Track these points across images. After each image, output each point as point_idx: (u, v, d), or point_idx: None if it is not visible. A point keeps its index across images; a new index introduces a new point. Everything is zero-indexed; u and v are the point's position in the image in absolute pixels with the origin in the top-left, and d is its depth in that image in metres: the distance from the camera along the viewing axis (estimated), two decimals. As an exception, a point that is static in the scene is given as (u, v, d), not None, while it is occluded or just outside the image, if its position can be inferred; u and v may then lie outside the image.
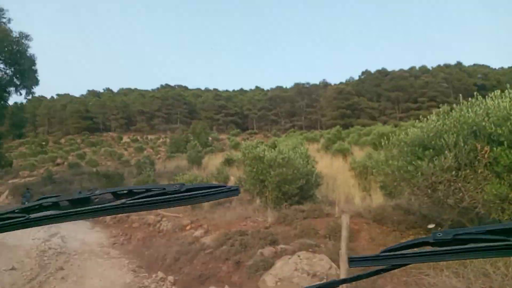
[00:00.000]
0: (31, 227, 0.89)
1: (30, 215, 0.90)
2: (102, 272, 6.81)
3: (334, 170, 17.00)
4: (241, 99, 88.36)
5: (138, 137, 66.67)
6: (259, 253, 6.04)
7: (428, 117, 5.79)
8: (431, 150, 5.30)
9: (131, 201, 0.86)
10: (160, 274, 6.72)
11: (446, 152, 5.02)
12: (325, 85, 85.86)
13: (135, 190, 0.92)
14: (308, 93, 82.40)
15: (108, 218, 13.46)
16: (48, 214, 0.89)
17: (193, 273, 6.38)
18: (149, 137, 67.92)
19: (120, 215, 13.05)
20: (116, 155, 41.75)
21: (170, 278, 6.51)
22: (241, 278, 5.77)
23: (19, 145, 54.33)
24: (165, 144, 52.62)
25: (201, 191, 0.87)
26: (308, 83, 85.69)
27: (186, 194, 0.86)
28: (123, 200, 0.87)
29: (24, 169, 36.03)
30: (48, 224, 0.89)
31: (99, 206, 0.89)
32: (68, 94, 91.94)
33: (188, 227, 9.16)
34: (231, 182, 17.40)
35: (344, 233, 3.89)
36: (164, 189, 0.87)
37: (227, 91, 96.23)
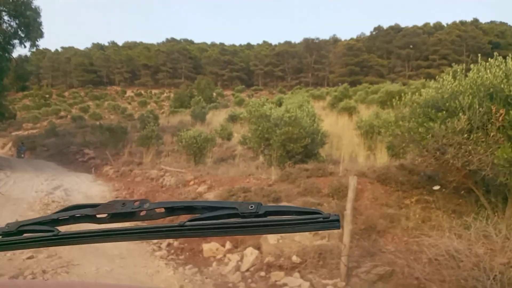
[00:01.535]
0: (62, 245, 0.75)
1: (60, 227, 0.75)
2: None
3: (339, 129, 16.88)
4: (247, 54, 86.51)
5: (142, 91, 66.29)
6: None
7: (444, 77, 5.54)
8: (444, 112, 5.12)
9: (192, 223, 0.68)
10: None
11: (460, 114, 4.84)
12: (335, 40, 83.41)
13: (195, 206, 0.74)
14: (317, 48, 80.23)
15: (111, 171, 13.60)
16: (83, 231, 0.72)
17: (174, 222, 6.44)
18: (153, 91, 67.53)
19: (124, 168, 13.22)
20: (119, 109, 41.63)
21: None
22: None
23: (23, 98, 54.33)
24: (169, 98, 52.33)
25: (288, 219, 0.67)
26: (317, 38, 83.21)
27: (267, 220, 0.67)
28: (182, 222, 0.68)
29: (28, 121, 36.21)
30: (83, 243, 0.74)
31: (150, 227, 0.71)
32: (73, 47, 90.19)
33: (191, 183, 9.20)
34: (235, 138, 17.40)
35: (351, 195, 3.83)
36: (236, 208, 0.69)
37: (233, 45, 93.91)
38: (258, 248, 4.98)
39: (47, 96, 55.20)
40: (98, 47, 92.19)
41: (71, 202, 8.90)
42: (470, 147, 4.88)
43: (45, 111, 40.45)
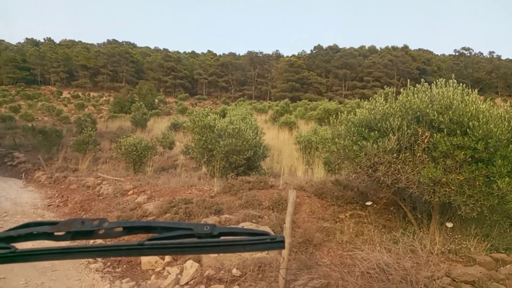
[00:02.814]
0: (19, 262, 0.73)
1: (17, 244, 0.73)
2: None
3: (280, 143, 17.35)
4: (192, 62, 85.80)
5: (80, 93, 62.72)
6: (203, 222, 6.04)
7: (377, 99, 5.97)
8: (376, 132, 5.51)
9: (152, 243, 0.72)
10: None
11: (390, 134, 5.25)
12: (278, 56, 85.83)
13: (153, 226, 0.77)
14: (261, 62, 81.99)
15: (43, 177, 12.70)
16: (41, 249, 0.72)
17: (133, 240, 6.25)
18: (92, 94, 64.17)
19: (58, 174, 12.40)
20: (54, 110, 38.95)
21: (109, 244, 6.33)
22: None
23: None
24: (108, 103, 50.09)
25: (239, 239, 0.74)
26: (261, 52, 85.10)
27: (220, 241, 0.72)
28: (142, 241, 0.72)
29: None
30: (40, 260, 0.72)
31: (110, 245, 0.73)
32: (3, 41, 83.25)
33: (130, 192, 8.90)
34: (177, 148, 17.13)
35: (290, 209, 3.96)
36: (191, 230, 0.74)
37: (178, 52, 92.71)
38: (199, 261, 4.94)
39: (-31, 92, 50.17)
40: (32, 42, 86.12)
41: (-4, 210, 8.18)
42: (399, 166, 5.30)
43: (-33, 110, 36.74)
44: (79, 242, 0.76)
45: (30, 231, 0.78)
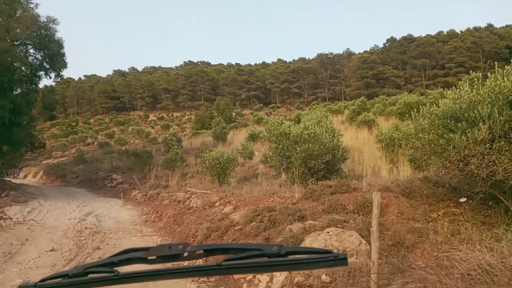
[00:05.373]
0: (121, 283, 0.87)
1: (119, 268, 0.88)
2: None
3: (360, 143, 16.82)
4: (263, 73, 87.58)
5: (164, 115, 67.73)
6: (288, 229, 6.11)
7: (461, 87, 5.55)
8: (463, 122, 5.12)
9: (228, 263, 0.82)
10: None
11: (480, 124, 4.84)
12: (349, 54, 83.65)
13: (228, 247, 0.89)
14: (332, 63, 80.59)
15: (139, 195, 13.92)
16: (139, 272, 0.86)
17: (211, 262, 6.53)
18: (175, 114, 68.91)
19: (151, 192, 13.51)
20: (143, 133, 42.64)
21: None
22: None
23: (51, 127, 56.40)
24: (190, 121, 53.24)
25: (305, 258, 0.81)
26: (331, 53, 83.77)
27: (288, 260, 0.80)
28: (219, 262, 0.83)
29: (57, 149, 37.52)
30: (139, 282, 0.86)
31: (194, 267, 0.86)
32: (95, 75, 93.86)
33: (217, 204, 9.34)
34: (257, 157, 17.53)
35: (376, 211, 3.86)
36: (262, 250, 0.83)
37: (249, 65, 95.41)
38: (287, 267, 5.01)
39: (74, 124, 57.16)
40: (119, 73, 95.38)
41: (103, 228, 9.17)
42: (493, 156, 4.85)
43: (72, 139, 41.86)
44: (168, 265, 0.90)
45: (128, 256, 0.92)
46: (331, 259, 0.79)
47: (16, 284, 5.41)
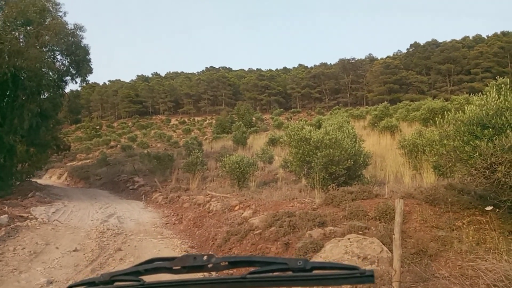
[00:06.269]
0: None
1: (144, 277, 0.90)
2: (157, 253, 7.10)
3: (382, 148, 16.55)
4: (284, 78, 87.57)
5: (186, 119, 68.65)
6: (308, 235, 6.07)
7: (488, 93, 5.41)
8: (490, 129, 4.99)
9: (252, 276, 0.81)
10: (212, 254, 6.96)
11: (508, 131, 4.70)
12: (371, 59, 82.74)
13: (253, 260, 0.88)
14: (353, 68, 79.87)
15: (160, 198, 14.12)
16: (164, 282, 0.87)
17: (243, 254, 6.55)
18: (196, 119, 69.76)
19: (172, 194, 13.68)
20: (165, 137, 43.29)
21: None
22: (291, 259, 5.83)
23: (76, 130, 57.98)
24: (211, 125, 53.74)
25: (330, 273, 0.80)
26: (353, 58, 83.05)
27: (313, 275, 0.79)
28: (244, 274, 0.82)
29: (81, 152, 38.53)
30: None
31: (218, 279, 0.86)
32: (119, 80, 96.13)
33: (236, 208, 9.37)
34: (277, 162, 17.51)
35: (398, 219, 3.80)
36: (287, 264, 0.82)
37: (270, 70, 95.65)
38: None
39: (98, 127, 58.64)
40: (142, 78, 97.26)
41: (124, 229, 9.33)
42: (522, 165, 4.70)
43: (96, 142, 42.94)
44: (193, 275, 0.91)
45: (154, 266, 0.93)
46: (357, 275, 0.78)
47: (41, 283, 5.57)
